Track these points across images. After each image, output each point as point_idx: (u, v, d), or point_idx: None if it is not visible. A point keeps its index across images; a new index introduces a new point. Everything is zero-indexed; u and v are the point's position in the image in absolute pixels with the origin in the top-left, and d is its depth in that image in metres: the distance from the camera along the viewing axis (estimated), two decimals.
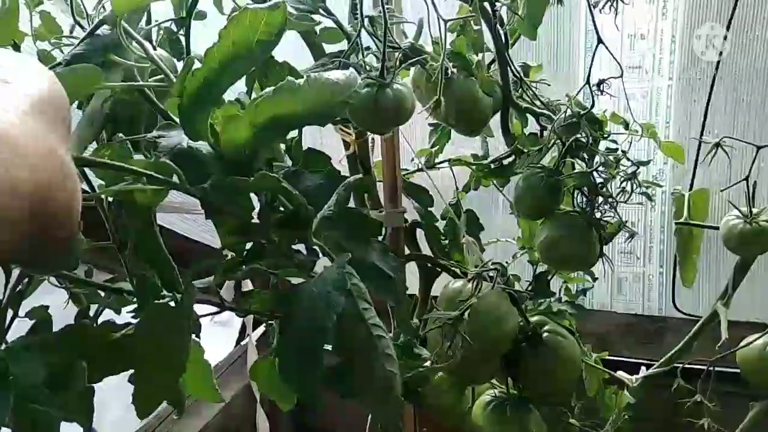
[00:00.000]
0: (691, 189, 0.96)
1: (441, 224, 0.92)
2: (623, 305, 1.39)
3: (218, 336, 1.65)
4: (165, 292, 0.46)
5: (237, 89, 0.65)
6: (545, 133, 0.84)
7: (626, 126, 0.82)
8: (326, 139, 1.15)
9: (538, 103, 0.91)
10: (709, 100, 1.11)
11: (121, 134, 0.45)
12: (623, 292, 1.39)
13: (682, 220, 0.83)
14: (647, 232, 1.38)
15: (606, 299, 1.41)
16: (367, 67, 0.65)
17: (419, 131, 1.06)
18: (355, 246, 0.45)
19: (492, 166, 0.92)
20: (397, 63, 0.68)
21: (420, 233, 0.90)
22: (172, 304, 0.45)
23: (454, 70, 0.65)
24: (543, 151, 0.85)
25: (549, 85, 0.94)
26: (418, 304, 0.88)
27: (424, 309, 0.86)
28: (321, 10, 0.64)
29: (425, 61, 0.70)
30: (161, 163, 0.39)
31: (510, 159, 0.92)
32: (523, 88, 0.90)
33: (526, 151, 0.89)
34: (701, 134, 1.12)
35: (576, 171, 0.78)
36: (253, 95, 0.51)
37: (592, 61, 0.69)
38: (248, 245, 0.44)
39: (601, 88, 0.72)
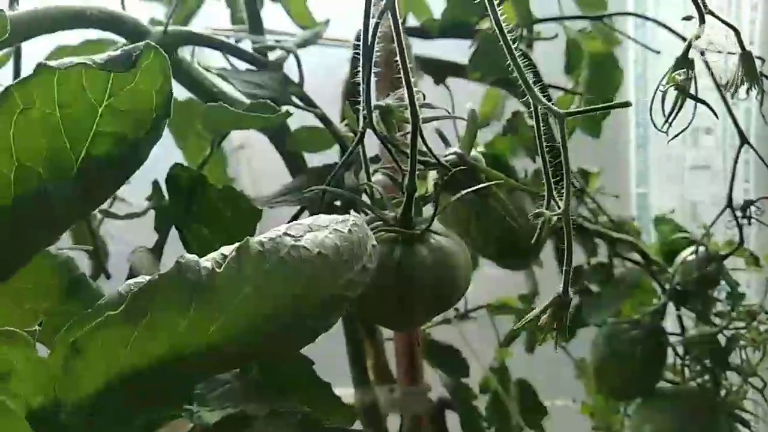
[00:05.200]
0: None
1: (482, 400, 0.64)
2: None
3: None
4: None
5: None
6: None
7: (756, 261, 0.56)
8: None
9: (602, 220, 0.67)
10: None
11: None
12: None
13: None
14: None
15: None
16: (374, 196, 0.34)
17: None
18: None
19: None
20: (434, 189, 0.35)
21: (452, 416, 0.62)
22: None
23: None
24: (622, 294, 0.59)
25: (617, 197, 0.70)
26: None
27: None
28: (295, 99, 0.38)
29: (487, 194, 0.40)
30: None
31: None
32: (584, 202, 0.67)
33: (595, 291, 0.64)
34: None
35: (693, 334, 0.51)
36: None
37: None
38: None
39: (748, 214, 0.46)
